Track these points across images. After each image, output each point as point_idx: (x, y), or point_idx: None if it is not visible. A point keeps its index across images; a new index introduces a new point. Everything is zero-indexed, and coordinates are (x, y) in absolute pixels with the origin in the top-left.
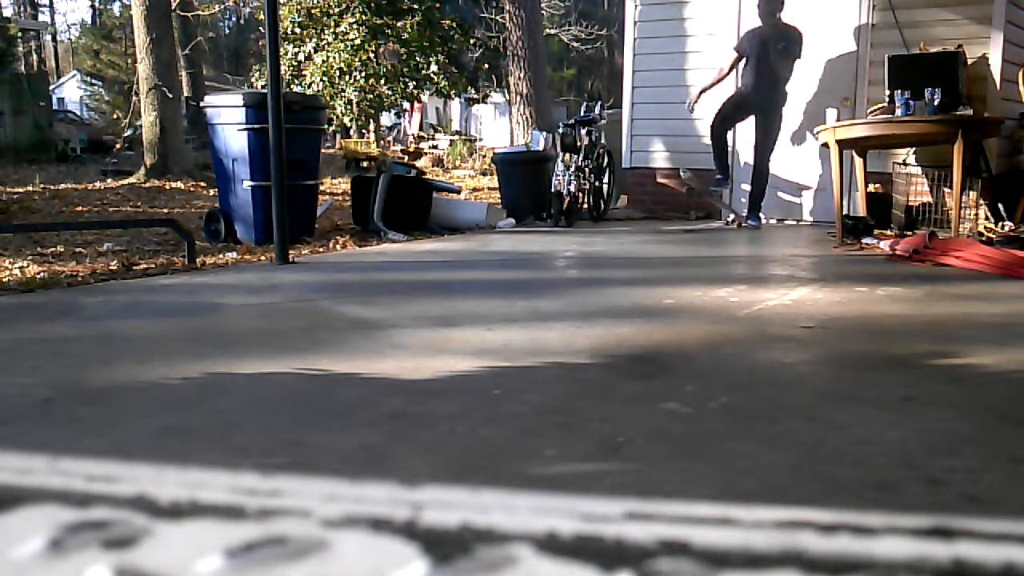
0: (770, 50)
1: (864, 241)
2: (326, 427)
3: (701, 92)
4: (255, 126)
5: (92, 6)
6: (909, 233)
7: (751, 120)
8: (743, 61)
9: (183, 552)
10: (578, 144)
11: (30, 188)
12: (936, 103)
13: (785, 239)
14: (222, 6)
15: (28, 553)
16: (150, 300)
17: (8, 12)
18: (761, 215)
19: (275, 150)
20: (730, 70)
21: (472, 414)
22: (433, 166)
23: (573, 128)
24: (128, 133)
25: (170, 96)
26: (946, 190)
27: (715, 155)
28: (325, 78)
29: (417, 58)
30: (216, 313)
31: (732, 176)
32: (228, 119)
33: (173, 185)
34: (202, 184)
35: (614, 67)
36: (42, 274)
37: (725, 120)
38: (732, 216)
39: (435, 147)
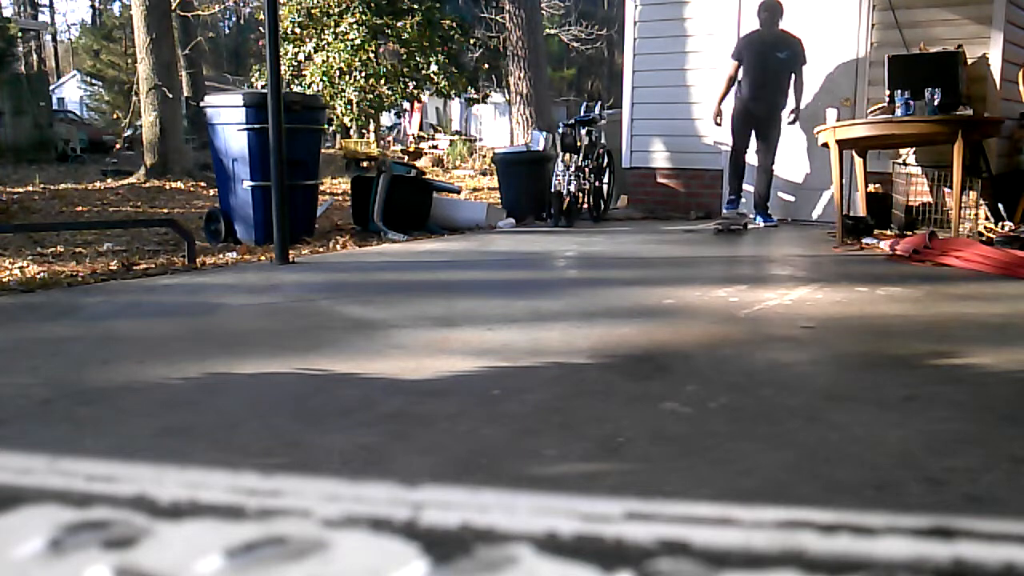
0: (769, 57)
1: (864, 241)
2: (326, 427)
3: (720, 104)
4: (255, 126)
5: (92, 6)
6: (909, 233)
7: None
8: (742, 68)
9: (183, 552)
10: (578, 144)
11: (30, 188)
12: (936, 103)
13: (785, 239)
14: (222, 6)
15: (28, 553)
16: (150, 300)
17: (8, 12)
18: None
19: (275, 150)
20: (735, 78)
21: (472, 414)
22: (433, 166)
23: (573, 128)
24: (128, 133)
25: (170, 96)
26: (946, 190)
27: (732, 177)
28: (325, 78)
29: (417, 58)
30: (216, 313)
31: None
32: (228, 119)
33: (173, 185)
34: (202, 184)
35: (614, 67)
36: (42, 274)
37: (743, 142)
38: (736, 218)
39: (435, 147)
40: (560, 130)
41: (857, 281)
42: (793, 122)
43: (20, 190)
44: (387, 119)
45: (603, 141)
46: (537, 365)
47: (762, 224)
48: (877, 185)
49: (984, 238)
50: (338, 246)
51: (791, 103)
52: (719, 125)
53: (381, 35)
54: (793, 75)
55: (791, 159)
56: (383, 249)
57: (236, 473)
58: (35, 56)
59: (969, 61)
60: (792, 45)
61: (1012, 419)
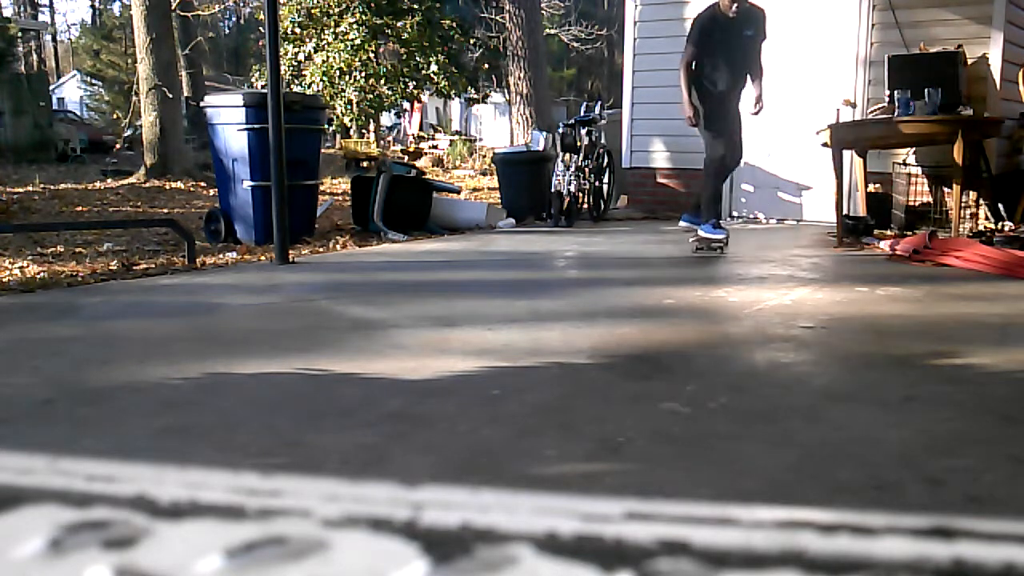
0: (739, 38)
1: (864, 241)
2: (326, 427)
3: (691, 101)
4: (255, 126)
5: (92, 6)
6: (909, 233)
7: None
8: (703, 55)
9: (183, 552)
10: (578, 144)
11: (30, 188)
12: (936, 103)
13: (785, 239)
14: (222, 6)
15: (28, 553)
16: (150, 300)
17: (8, 12)
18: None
19: (275, 150)
20: (691, 65)
21: (472, 414)
22: (433, 166)
23: (573, 128)
24: (128, 133)
25: (170, 96)
26: (946, 190)
27: (715, 196)
28: (325, 78)
29: (417, 58)
30: (216, 313)
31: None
32: (228, 119)
33: (173, 185)
34: (202, 184)
35: (614, 67)
36: (42, 274)
37: (724, 143)
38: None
39: (435, 147)
40: (560, 130)
41: (857, 281)
42: (758, 112)
43: (20, 190)
44: (387, 119)
45: (603, 141)
46: (537, 365)
47: (705, 234)
48: (877, 185)
49: (984, 238)
50: (338, 246)
51: (752, 89)
52: (697, 125)
53: (381, 35)
54: (757, 55)
55: (791, 159)
56: (383, 249)
57: (236, 473)
58: (35, 56)
59: (969, 61)
60: (758, 20)
61: (1012, 419)
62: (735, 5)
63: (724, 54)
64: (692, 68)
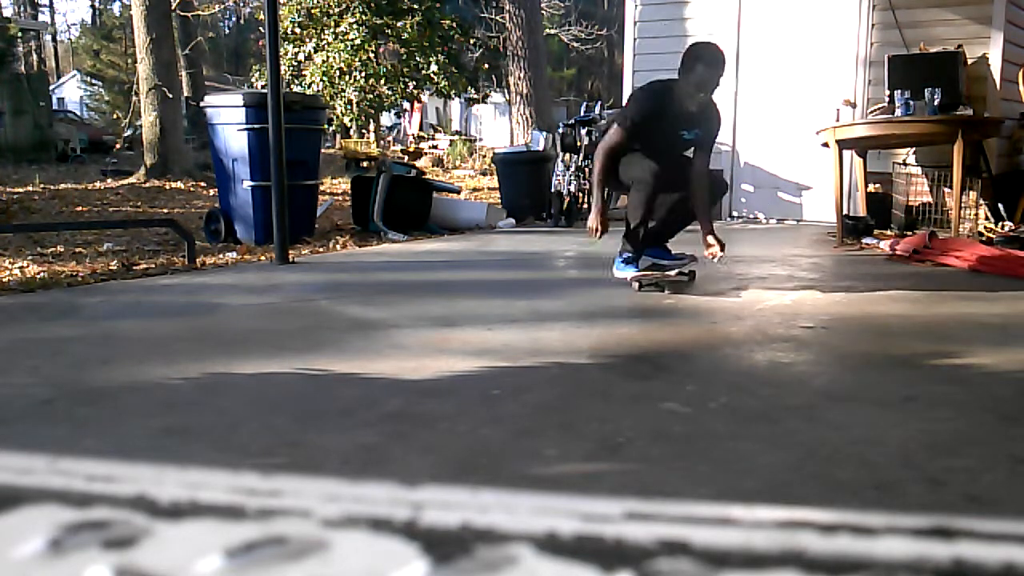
0: (675, 136)
1: (864, 241)
2: (326, 427)
3: (600, 207)
4: (255, 126)
5: (92, 6)
6: (909, 233)
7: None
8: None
9: (183, 552)
10: (578, 144)
11: (30, 188)
12: (936, 103)
13: (785, 239)
14: (222, 6)
15: (28, 553)
16: (150, 300)
17: (8, 12)
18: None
19: (275, 150)
20: (619, 154)
21: (472, 414)
22: (433, 166)
23: (573, 128)
24: (128, 133)
25: (170, 96)
26: (946, 190)
27: (644, 221)
28: (325, 78)
29: (417, 58)
30: (216, 313)
31: (732, 179)
32: (228, 119)
33: (173, 185)
34: (202, 184)
35: (614, 67)
36: (42, 274)
37: (657, 171)
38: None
39: (435, 147)
40: (560, 130)
41: (857, 281)
42: (717, 260)
43: (20, 190)
44: (387, 119)
45: None
46: (537, 365)
47: (623, 273)
48: (877, 185)
49: (984, 238)
50: (338, 246)
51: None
52: (600, 236)
53: (381, 35)
54: (697, 163)
55: (791, 159)
56: (383, 249)
57: (236, 473)
58: (35, 56)
59: (969, 61)
60: (708, 122)
61: (1012, 419)
62: (701, 95)
63: (661, 147)
64: (615, 156)
